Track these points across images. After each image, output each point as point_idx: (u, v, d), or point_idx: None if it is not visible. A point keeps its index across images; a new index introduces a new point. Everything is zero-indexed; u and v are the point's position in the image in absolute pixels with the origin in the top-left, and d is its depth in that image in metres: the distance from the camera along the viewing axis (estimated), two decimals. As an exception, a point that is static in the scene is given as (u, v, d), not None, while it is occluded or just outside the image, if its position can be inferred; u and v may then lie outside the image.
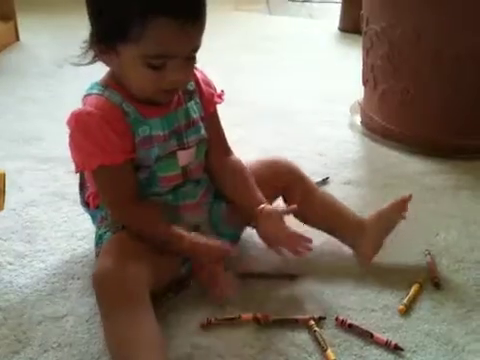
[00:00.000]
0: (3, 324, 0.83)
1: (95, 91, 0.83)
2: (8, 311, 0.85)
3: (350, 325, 0.83)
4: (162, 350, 0.74)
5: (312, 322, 0.82)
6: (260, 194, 0.92)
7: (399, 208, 0.95)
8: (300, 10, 3.40)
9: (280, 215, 0.90)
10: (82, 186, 0.96)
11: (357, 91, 1.68)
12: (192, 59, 0.81)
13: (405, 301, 0.88)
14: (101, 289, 0.76)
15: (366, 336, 0.82)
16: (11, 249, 1.00)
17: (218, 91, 0.94)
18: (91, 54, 0.82)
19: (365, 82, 1.61)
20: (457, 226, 1.11)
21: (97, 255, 0.88)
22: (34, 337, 0.81)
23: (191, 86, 0.89)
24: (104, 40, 0.78)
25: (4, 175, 0.88)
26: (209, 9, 0.79)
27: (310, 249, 0.89)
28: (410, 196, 0.95)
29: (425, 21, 1.33)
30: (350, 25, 2.63)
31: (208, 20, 0.79)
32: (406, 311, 0.87)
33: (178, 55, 0.77)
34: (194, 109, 0.89)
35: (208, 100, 0.91)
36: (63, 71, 1.93)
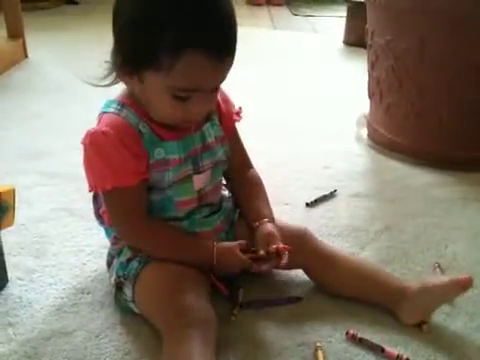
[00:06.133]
0: (12, 339, 0.83)
1: (112, 109, 0.81)
2: (17, 326, 0.85)
3: (361, 339, 0.82)
4: None
5: (319, 344, 0.81)
6: (265, 210, 0.91)
7: (453, 289, 0.84)
8: (304, 24, 3.43)
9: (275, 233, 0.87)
10: (96, 198, 0.94)
11: (363, 104, 1.69)
12: (217, 90, 0.79)
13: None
14: (184, 326, 0.74)
15: (377, 350, 0.81)
16: (20, 264, 1.00)
17: (236, 107, 0.93)
18: (112, 75, 0.80)
19: (371, 95, 1.61)
20: (466, 238, 1.11)
21: (120, 284, 0.85)
22: (44, 352, 0.80)
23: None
24: (130, 64, 0.75)
25: (14, 191, 0.89)
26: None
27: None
28: (470, 279, 0.84)
29: (429, 34, 1.34)
30: (355, 38, 2.65)
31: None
32: (418, 325, 0.86)
33: (206, 89, 0.76)
34: (210, 132, 0.87)
35: (227, 119, 0.90)
36: (71, 87, 1.95)
